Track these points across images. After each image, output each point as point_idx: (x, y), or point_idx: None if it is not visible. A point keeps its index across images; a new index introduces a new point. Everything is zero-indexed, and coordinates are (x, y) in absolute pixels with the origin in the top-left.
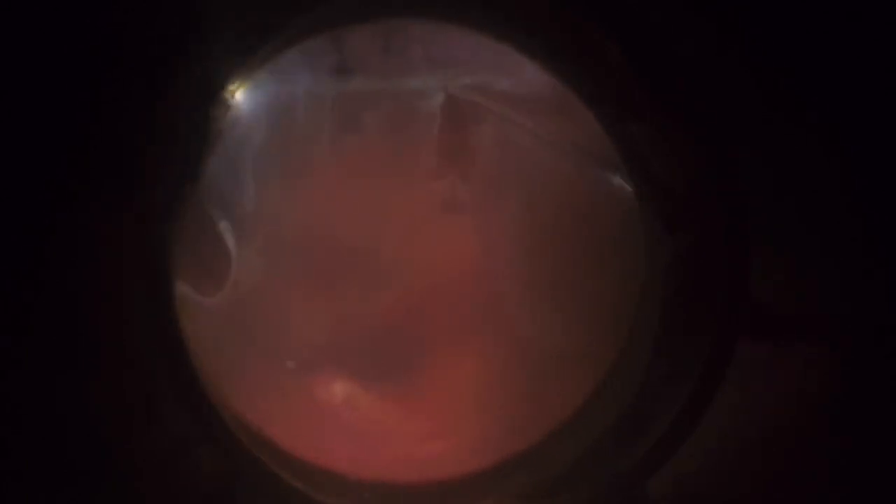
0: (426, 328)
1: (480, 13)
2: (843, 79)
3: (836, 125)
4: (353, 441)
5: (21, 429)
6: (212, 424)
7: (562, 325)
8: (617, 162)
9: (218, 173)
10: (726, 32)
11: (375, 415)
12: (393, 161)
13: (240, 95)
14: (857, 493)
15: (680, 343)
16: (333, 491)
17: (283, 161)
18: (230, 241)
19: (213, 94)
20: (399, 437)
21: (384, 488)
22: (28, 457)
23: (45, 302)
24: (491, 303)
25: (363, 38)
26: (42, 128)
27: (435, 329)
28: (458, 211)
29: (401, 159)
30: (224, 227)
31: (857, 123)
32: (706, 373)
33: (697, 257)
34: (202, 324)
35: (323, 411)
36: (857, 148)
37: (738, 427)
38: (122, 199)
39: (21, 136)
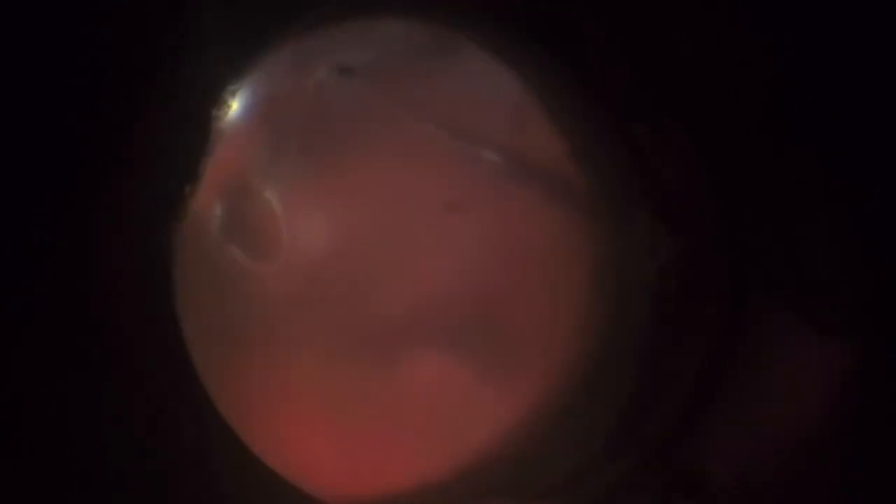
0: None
1: (479, 17)
2: (843, 78)
3: (836, 123)
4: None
5: (21, 430)
6: (218, 429)
7: (554, 326)
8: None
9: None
10: (726, 32)
11: (377, 415)
12: (393, 158)
13: (240, 95)
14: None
15: (679, 343)
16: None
17: (283, 160)
18: (279, 211)
19: (213, 94)
20: (397, 440)
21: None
22: (31, 460)
23: (43, 303)
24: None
25: (364, 38)
26: (41, 128)
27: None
28: (459, 211)
29: (402, 157)
30: (271, 196)
31: (858, 122)
32: (706, 372)
33: (697, 257)
34: (255, 295)
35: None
36: (858, 147)
37: (737, 426)
38: (122, 200)
39: (19, 137)
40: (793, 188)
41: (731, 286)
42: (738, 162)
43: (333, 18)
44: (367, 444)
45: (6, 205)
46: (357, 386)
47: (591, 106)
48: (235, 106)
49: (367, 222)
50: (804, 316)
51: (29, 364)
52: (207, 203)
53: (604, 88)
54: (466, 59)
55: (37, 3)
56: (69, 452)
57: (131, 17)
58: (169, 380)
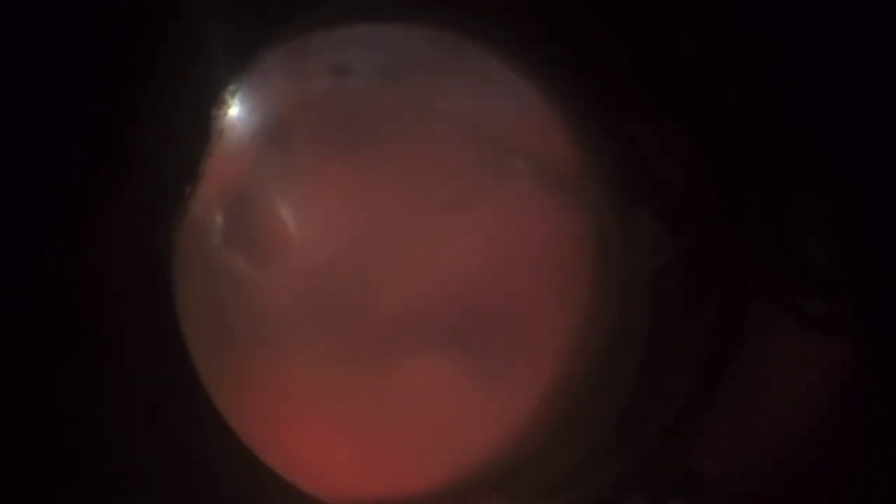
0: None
1: (479, 22)
2: (842, 77)
3: (835, 122)
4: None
5: (20, 430)
6: (218, 429)
7: (553, 327)
8: (580, 171)
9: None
10: (726, 33)
11: (372, 417)
12: (393, 158)
13: (240, 95)
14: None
15: (679, 343)
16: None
17: (283, 161)
18: (281, 219)
19: (213, 94)
20: (392, 442)
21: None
22: (30, 460)
23: (43, 303)
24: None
25: (363, 38)
26: (40, 128)
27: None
28: (458, 211)
29: (401, 157)
30: (272, 201)
31: (858, 121)
32: (706, 372)
33: (697, 257)
34: (257, 301)
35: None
36: (858, 146)
37: (737, 426)
38: (122, 200)
39: (19, 137)
40: (793, 188)
41: (731, 286)
42: (739, 162)
43: (332, 20)
44: (365, 444)
45: (6, 205)
46: (356, 387)
47: (591, 106)
48: (235, 106)
49: (367, 224)
50: (804, 315)
51: (28, 363)
52: (208, 203)
53: (604, 88)
54: (468, 61)
55: (37, 4)
56: (69, 452)
57: (131, 18)
58: (169, 380)
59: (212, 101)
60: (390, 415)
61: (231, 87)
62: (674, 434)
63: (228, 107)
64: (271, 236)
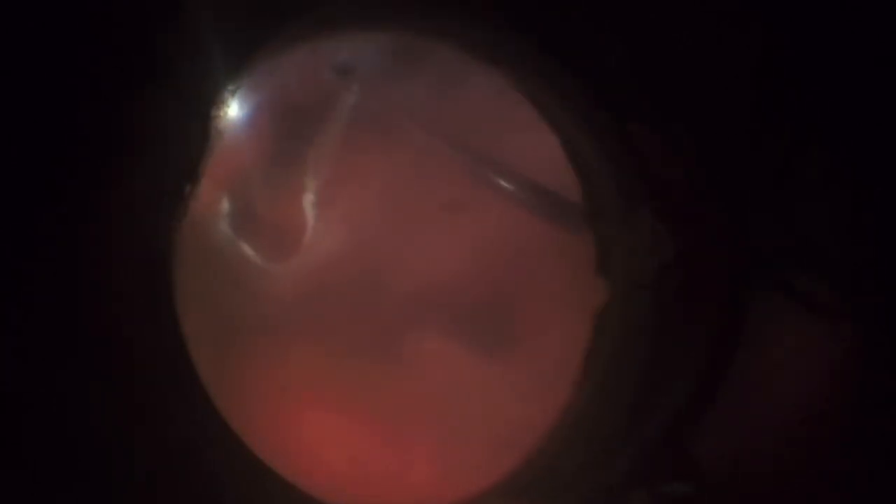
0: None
1: (479, 29)
2: (842, 76)
3: (836, 122)
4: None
5: (21, 429)
6: (218, 429)
7: (553, 323)
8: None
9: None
10: (726, 32)
11: (368, 429)
12: (391, 158)
13: (240, 95)
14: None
15: (679, 342)
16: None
17: (282, 161)
18: (287, 217)
19: (213, 94)
20: (387, 456)
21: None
22: (30, 459)
23: (43, 303)
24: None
25: (364, 39)
26: (42, 128)
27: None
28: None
29: (399, 157)
30: (277, 203)
31: (857, 120)
32: (706, 371)
33: (697, 257)
34: (266, 291)
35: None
36: (857, 145)
37: (737, 422)
38: (122, 199)
39: (20, 138)
40: (793, 187)
41: (731, 285)
42: (738, 161)
43: (332, 22)
44: (367, 441)
45: (6, 205)
46: (358, 383)
47: (591, 106)
48: (235, 106)
49: (370, 220)
50: (812, 303)
51: (29, 363)
52: (208, 203)
53: (604, 88)
54: (460, 67)
55: (38, 6)
56: (68, 451)
57: (131, 19)
58: (169, 380)
59: (212, 101)
60: (392, 411)
61: (231, 87)
62: (675, 431)
63: (228, 107)
64: (270, 236)
